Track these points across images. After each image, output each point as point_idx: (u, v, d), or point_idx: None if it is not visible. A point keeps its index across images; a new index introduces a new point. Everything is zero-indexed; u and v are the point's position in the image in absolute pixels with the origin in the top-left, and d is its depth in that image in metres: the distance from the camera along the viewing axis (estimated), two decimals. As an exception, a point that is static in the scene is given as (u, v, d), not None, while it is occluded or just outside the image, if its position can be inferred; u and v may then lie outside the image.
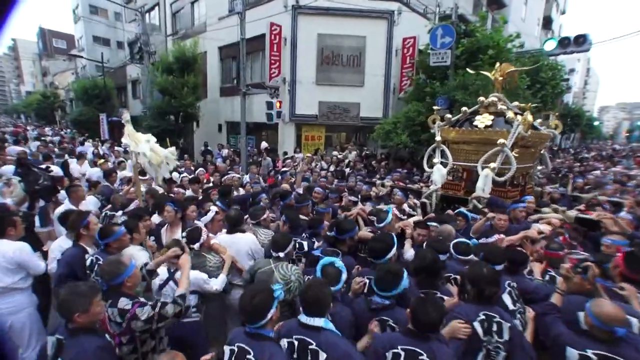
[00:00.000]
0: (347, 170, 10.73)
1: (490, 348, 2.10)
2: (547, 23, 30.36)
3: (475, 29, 11.33)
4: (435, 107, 9.87)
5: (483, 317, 2.13)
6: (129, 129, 4.41)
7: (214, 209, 3.83)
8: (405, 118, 11.26)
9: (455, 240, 3.21)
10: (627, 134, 53.73)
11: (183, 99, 14.35)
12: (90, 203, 4.91)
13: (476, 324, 2.11)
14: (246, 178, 7.72)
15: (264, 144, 13.55)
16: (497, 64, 5.94)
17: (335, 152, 12.65)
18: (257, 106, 13.08)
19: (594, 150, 28.10)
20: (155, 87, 14.75)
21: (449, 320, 2.13)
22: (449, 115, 5.99)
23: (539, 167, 6.66)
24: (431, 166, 5.68)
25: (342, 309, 2.32)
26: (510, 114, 5.29)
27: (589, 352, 1.91)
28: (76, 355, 1.80)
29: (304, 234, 3.68)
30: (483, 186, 4.98)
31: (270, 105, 10.27)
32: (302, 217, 4.11)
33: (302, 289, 2.23)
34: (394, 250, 2.74)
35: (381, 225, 3.62)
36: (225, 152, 13.58)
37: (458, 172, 5.70)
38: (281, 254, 2.88)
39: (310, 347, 1.91)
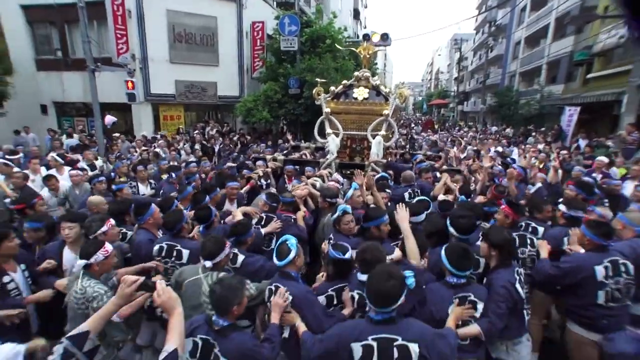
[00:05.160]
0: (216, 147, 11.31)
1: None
2: (356, 15, 36.43)
3: (313, 20, 13.57)
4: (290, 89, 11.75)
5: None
6: None
7: None
8: (264, 96, 12.72)
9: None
10: (413, 107, 70.05)
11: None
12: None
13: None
14: (99, 162, 6.70)
15: (109, 118, 10.22)
16: (363, 44, 6.40)
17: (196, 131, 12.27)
18: (100, 85, 11.78)
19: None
20: None
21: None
22: (332, 88, 6.32)
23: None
24: (324, 137, 6.06)
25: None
26: (383, 88, 6.08)
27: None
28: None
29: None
30: (377, 151, 5.49)
31: (131, 85, 9.86)
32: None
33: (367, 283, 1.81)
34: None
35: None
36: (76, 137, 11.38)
37: (342, 140, 6.03)
38: (208, 263, 2.35)
39: (395, 343, 1.71)
